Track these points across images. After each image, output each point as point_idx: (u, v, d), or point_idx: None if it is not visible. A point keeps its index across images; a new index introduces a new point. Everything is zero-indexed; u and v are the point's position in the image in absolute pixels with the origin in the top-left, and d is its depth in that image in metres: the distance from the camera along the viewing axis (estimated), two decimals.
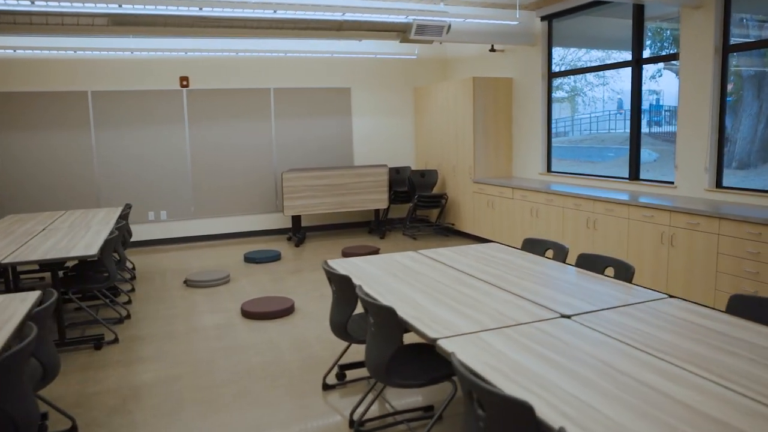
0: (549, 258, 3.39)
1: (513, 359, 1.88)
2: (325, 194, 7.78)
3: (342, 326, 2.93)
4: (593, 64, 6.28)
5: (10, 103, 6.95)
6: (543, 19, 6.68)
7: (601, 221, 5.30)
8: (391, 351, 2.37)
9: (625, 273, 2.90)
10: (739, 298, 2.35)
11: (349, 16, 5.24)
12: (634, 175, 5.76)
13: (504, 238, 6.82)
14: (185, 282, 5.78)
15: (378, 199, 8.04)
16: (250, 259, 6.74)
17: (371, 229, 8.49)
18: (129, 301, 5.18)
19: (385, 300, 2.59)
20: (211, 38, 7.42)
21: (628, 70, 5.71)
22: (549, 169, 7.04)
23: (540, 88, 6.88)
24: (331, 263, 3.36)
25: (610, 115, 6.36)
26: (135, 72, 7.42)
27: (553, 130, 6.96)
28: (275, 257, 6.82)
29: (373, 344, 2.46)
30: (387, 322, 2.36)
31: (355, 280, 2.95)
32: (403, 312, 2.40)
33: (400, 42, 6.04)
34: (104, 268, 4.30)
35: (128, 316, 4.76)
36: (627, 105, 5.79)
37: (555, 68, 6.80)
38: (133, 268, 6.48)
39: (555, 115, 6.93)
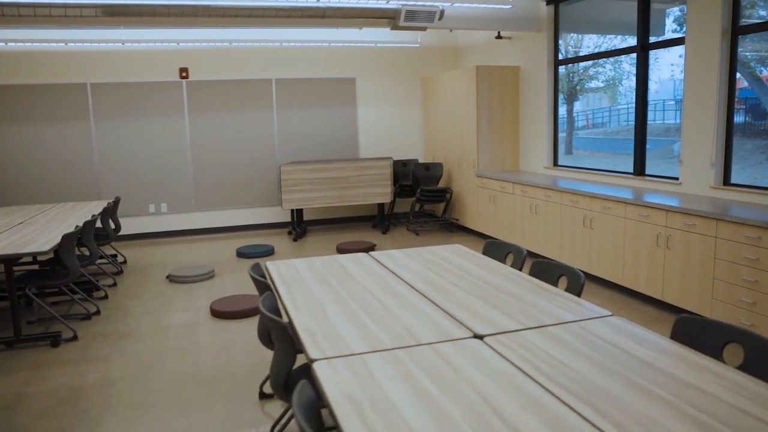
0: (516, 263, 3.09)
1: (383, 391, 1.62)
2: (325, 187, 7.58)
3: (266, 335, 2.72)
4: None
5: (10, 95, 7.00)
6: (549, 3, 6.26)
7: (597, 220, 4.91)
8: (287, 368, 2.14)
9: (575, 283, 2.58)
10: (685, 321, 2.01)
11: (330, 2, 4.99)
12: (639, 170, 5.32)
13: (505, 235, 6.48)
14: (168, 277, 5.69)
15: (380, 193, 7.78)
16: (242, 253, 6.62)
17: (375, 223, 8.25)
18: (105, 297, 5.12)
19: (295, 310, 2.36)
20: (203, 28, 7.29)
21: (666, 57, 5.15)
22: (555, 163, 6.63)
23: (545, 76, 6.47)
24: (269, 264, 3.15)
25: (649, 104, 5.85)
26: (134, 63, 7.37)
27: (591, 121, 6.51)
28: (268, 252, 6.67)
29: (275, 359, 2.24)
30: (281, 337, 2.13)
31: (281, 286, 2.73)
32: (302, 325, 2.16)
33: (391, 29, 5.76)
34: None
35: (98, 312, 4.68)
36: (667, 95, 5.26)
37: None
38: (124, 262, 6.44)
39: (593, 105, 6.46)
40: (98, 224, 5.59)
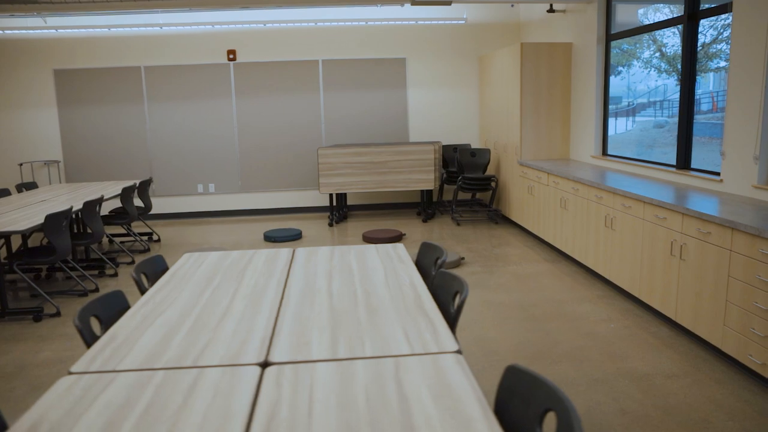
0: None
1: (78, 421, 1.39)
2: (364, 172, 7.33)
3: None
4: None
5: (73, 79, 7.50)
6: None
7: (618, 219, 4.23)
8: None
9: (454, 301, 2.14)
10: (514, 373, 1.55)
11: None
12: (683, 163, 4.50)
13: (540, 230, 5.86)
14: None
15: (423, 180, 7.39)
16: (269, 237, 6.60)
17: (420, 211, 7.89)
18: (114, 275, 5.31)
19: (131, 313, 2.18)
20: (246, 10, 7.28)
21: None
22: (605, 152, 5.86)
23: (595, 53, 5.70)
24: (186, 255, 3.00)
25: None
26: (184, 47, 7.57)
27: (708, 104, 5.63)
28: (295, 237, 6.60)
29: None
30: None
31: (162, 281, 2.56)
32: (111, 331, 1.97)
33: (412, 5, 5.34)
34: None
35: (96, 290, 4.85)
36: None
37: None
38: (157, 240, 6.68)
39: (717, 87, 5.60)
40: (119, 204, 5.80)
